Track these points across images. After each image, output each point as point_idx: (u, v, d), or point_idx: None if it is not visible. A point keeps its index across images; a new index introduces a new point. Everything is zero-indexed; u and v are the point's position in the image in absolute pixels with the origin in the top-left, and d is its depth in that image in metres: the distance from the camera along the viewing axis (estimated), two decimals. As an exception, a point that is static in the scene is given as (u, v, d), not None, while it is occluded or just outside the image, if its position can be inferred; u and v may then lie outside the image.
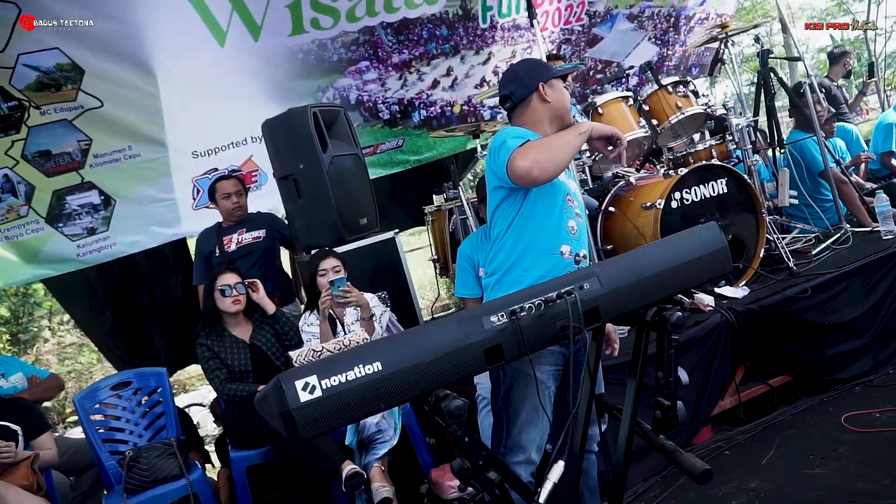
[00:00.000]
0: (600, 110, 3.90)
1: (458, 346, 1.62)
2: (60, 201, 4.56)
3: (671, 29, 6.68)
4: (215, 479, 4.31)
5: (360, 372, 1.51)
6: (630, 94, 4.06)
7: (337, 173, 4.12)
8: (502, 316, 1.68)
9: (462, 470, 1.55)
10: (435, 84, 5.48)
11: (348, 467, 3.18)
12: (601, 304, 1.77)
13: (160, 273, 5.48)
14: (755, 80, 4.46)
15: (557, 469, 1.63)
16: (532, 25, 3.51)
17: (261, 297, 3.79)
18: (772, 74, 4.34)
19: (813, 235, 4.38)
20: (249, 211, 4.60)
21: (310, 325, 3.78)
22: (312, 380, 1.47)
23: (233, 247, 4.48)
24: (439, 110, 5.66)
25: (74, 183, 4.58)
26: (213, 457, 4.70)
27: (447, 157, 5.88)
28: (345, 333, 3.74)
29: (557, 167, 2.19)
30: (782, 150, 4.40)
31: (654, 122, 4.07)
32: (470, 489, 1.69)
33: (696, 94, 4.13)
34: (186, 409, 5.07)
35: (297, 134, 4.04)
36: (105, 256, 4.79)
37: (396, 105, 5.42)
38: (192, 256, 4.72)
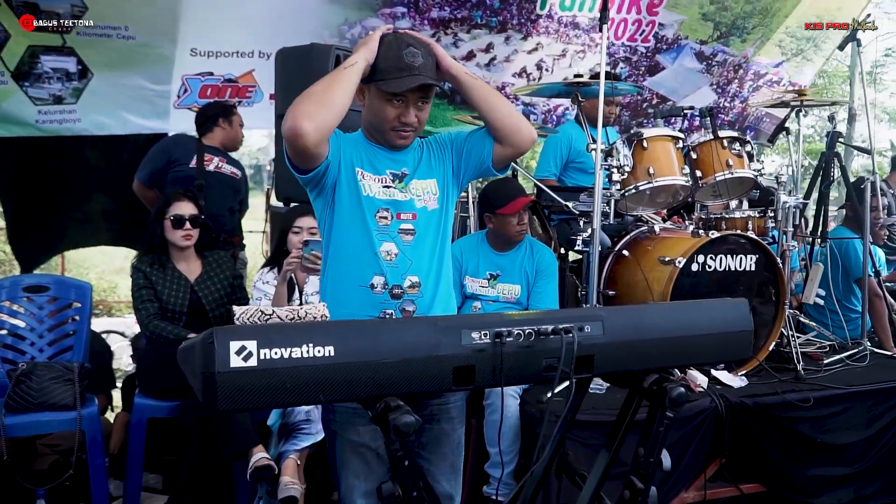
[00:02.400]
0: (645, 143, 3.81)
1: (426, 353, 1.51)
2: (33, 59, 4.43)
3: (736, 80, 6.62)
4: (111, 420, 4.18)
5: (307, 351, 1.40)
6: (681, 135, 3.97)
7: (342, 126, 4.01)
8: (485, 335, 1.57)
9: (391, 496, 1.44)
10: (470, 56, 5.38)
11: (259, 454, 3.08)
12: (597, 354, 1.67)
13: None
14: (806, 159, 4.42)
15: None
16: (601, 29, 3.41)
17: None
18: (835, 160, 4.28)
19: (829, 343, 4.32)
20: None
21: (265, 282, 3.67)
22: (251, 345, 1.36)
23: (211, 167, 4.44)
24: None
25: (54, 44, 4.44)
26: (117, 396, 4.57)
27: None
28: (301, 303, 3.64)
29: (332, 111, 2.02)
30: (823, 244, 4.33)
31: (699, 173, 3.99)
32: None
33: (751, 156, 4.05)
34: (104, 336, 4.94)
35: (314, 72, 3.92)
36: (66, 130, 4.69)
37: None
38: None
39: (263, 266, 3.85)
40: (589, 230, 3.93)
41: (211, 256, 3.84)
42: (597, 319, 1.69)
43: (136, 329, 8.50)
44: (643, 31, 5.80)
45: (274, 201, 4.42)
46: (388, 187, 2.17)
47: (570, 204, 3.81)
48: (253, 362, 1.36)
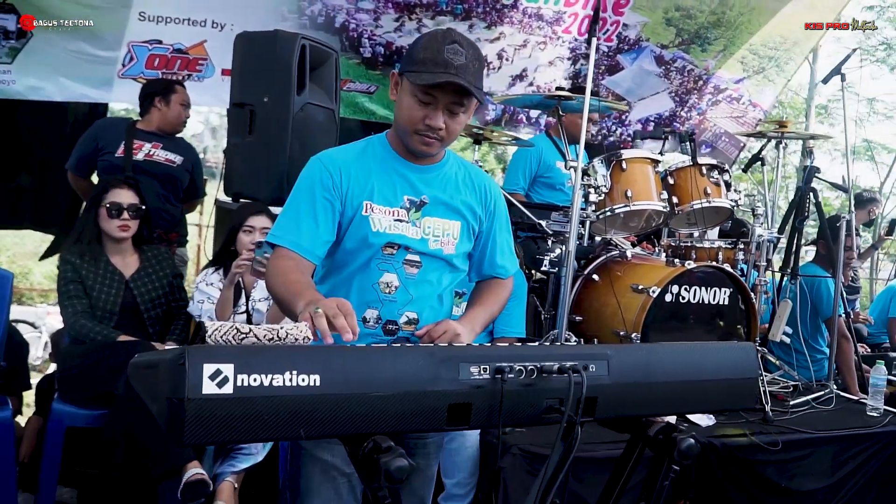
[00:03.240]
0: (624, 165, 3.76)
1: (420, 388, 1.39)
2: None
3: (695, 91, 6.73)
4: (21, 425, 3.92)
5: (290, 379, 1.27)
6: (661, 158, 3.94)
7: (303, 123, 3.91)
8: (485, 369, 1.46)
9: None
10: None
11: (193, 470, 2.91)
12: (601, 397, 1.58)
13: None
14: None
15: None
16: (589, 42, 3.35)
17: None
18: (811, 195, 4.31)
19: (793, 384, 4.34)
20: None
21: (209, 284, 3.51)
22: (227, 369, 1.22)
23: (140, 156, 4.22)
24: None
25: None
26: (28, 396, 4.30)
27: None
28: (247, 310, 3.47)
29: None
30: (793, 281, 4.36)
31: (675, 199, 3.97)
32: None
33: (728, 185, 4.06)
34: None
35: (276, 61, 3.81)
36: None
37: (383, 47, 5.28)
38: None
39: (207, 266, 3.68)
40: (557, 250, 3.89)
41: (150, 251, 3.64)
42: (602, 358, 1.60)
43: (49, 320, 8.12)
44: (607, 29, 5.88)
45: (222, 196, 4.23)
46: (399, 221, 2.02)
47: (542, 222, 3.74)
48: (228, 389, 1.22)
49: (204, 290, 3.51)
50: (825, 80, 4.44)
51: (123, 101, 4.61)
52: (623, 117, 6.64)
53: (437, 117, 1.93)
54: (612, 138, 6.54)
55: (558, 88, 3.72)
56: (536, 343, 3.58)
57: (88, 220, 3.51)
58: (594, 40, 3.36)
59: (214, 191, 4.99)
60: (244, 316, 3.49)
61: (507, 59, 5.75)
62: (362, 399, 1.33)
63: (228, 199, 4.12)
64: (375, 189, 2.01)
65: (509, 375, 1.47)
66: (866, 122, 17.26)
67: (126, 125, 4.28)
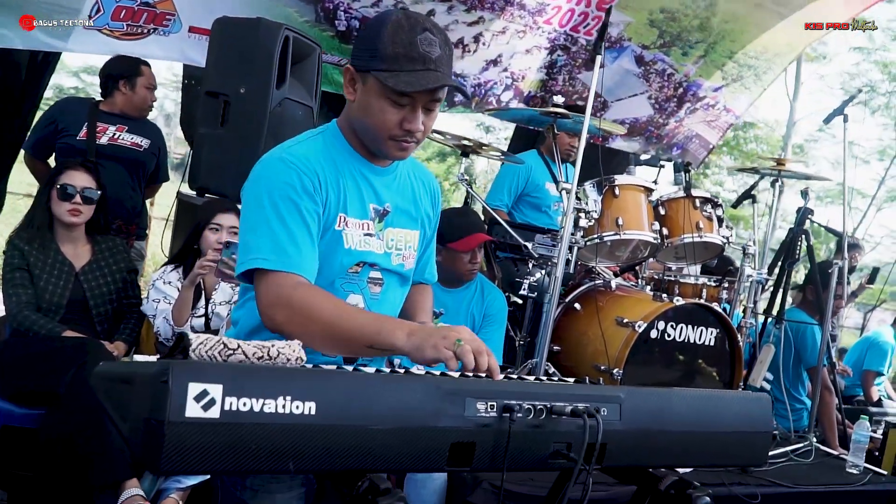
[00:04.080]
0: (617, 191, 3.72)
1: (422, 423, 1.30)
2: None
3: (674, 98, 6.80)
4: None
5: (283, 406, 1.17)
6: (654, 187, 3.91)
7: (280, 119, 3.80)
8: (492, 406, 1.38)
9: None
10: None
11: (132, 490, 2.80)
12: (611, 443, 1.50)
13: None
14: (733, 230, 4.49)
15: None
16: (593, 59, 3.30)
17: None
18: (803, 238, 4.32)
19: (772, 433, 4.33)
20: None
21: (167, 282, 3.38)
22: (215, 391, 1.12)
23: (104, 139, 4.10)
24: None
25: None
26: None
27: None
28: (206, 314, 3.35)
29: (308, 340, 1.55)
30: (778, 325, 4.36)
31: (666, 231, 3.94)
32: None
33: (720, 220, 4.04)
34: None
35: (256, 50, 3.70)
36: None
37: (358, 21, 5.17)
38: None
39: (167, 263, 3.54)
40: (538, 274, 3.83)
41: (104, 243, 3.50)
42: (614, 401, 1.52)
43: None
44: (588, 24, 5.88)
45: (186, 189, 4.10)
46: (368, 235, 1.85)
47: (528, 245, 3.67)
48: (214, 413, 1.11)
49: (161, 288, 3.38)
50: (826, 121, 4.46)
51: (84, 51, 4.43)
52: (598, 114, 6.66)
53: (415, 119, 1.75)
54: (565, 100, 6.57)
55: (554, 105, 3.66)
56: (534, 377, 3.51)
57: (40, 203, 3.36)
58: (598, 58, 3.32)
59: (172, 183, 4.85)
60: (202, 320, 3.37)
61: (483, 44, 5.73)
62: (360, 432, 1.23)
63: (192, 193, 3.98)
64: (348, 198, 1.82)
65: (518, 415, 1.39)
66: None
67: (89, 106, 4.15)
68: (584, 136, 3.38)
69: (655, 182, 4.00)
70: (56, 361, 3.02)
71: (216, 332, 3.28)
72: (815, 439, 4.21)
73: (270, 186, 1.73)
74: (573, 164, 3.55)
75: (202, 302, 3.38)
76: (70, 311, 3.31)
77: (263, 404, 1.15)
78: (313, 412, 1.19)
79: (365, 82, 1.76)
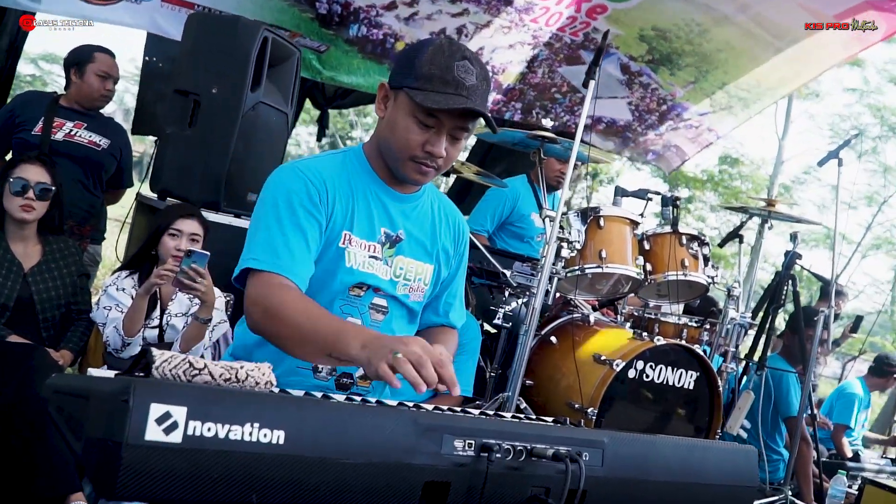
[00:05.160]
0: (602, 222, 3.74)
1: (396, 459, 1.28)
2: None
3: (656, 112, 6.93)
4: None
5: (250, 433, 1.14)
6: (640, 220, 3.93)
7: (252, 123, 3.81)
8: (470, 445, 1.36)
9: None
10: (392, 6, 5.38)
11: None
12: (592, 490, 1.49)
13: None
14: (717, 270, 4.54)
15: None
16: (586, 85, 3.33)
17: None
18: (790, 282, 4.37)
19: (746, 484, 4.35)
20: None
21: (121, 289, 3.32)
22: (178, 413, 1.09)
23: (60, 135, 4.06)
24: (381, 36, 5.56)
25: None
26: None
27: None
28: (160, 325, 3.30)
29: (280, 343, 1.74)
30: (759, 372, 4.39)
31: (649, 267, 3.96)
32: None
33: (707, 259, 4.07)
34: None
35: (232, 50, 3.70)
36: None
37: (340, 6, 5.20)
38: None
39: (121, 268, 3.48)
40: (514, 304, 3.83)
41: (55, 243, 3.45)
42: (597, 446, 1.52)
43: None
44: (575, 27, 5.97)
45: (147, 191, 4.05)
46: (373, 258, 1.91)
47: (507, 272, 3.67)
48: (176, 437, 1.09)
49: (113, 294, 3.31)
50: (821, 164, 4.53)
51: (53, 11, 4.41)
52: (575, 109, 6.77)
53: (439, 143, 1.82)
54: (556, 123, 6.69)
55: (542, 129, 3.68)
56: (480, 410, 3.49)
57: None
58: (591, 83, 3.34)
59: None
60: (156, 332, 3.32)
61: (466, 35, 5.81)
62: (330, 465, 1.21)
63: (154, 196, 3.94)
64: (356, 217, 1.90)
65: (496, 455, 1.37)
66: (829, 209, 17.92)
67: (50, 101, 4.11)
68: (573, 161, 3.39)
69: (642, 215, 4.02)
70: (1, 367, 2.96)
71: (170, 346, 3.24)
72: (790, 493, 4.24)
73: (276, 192, 1.84)
74: (557, 190, 3.56)
75: (157, 312, 3.33)
76: (16, 313, 3.25)
77: (229, 430, 1.13)
78: (282, 441, 1.17)
79: (396, 99, 1.84)
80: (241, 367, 1.27)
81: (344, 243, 1.87)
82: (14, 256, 3.28)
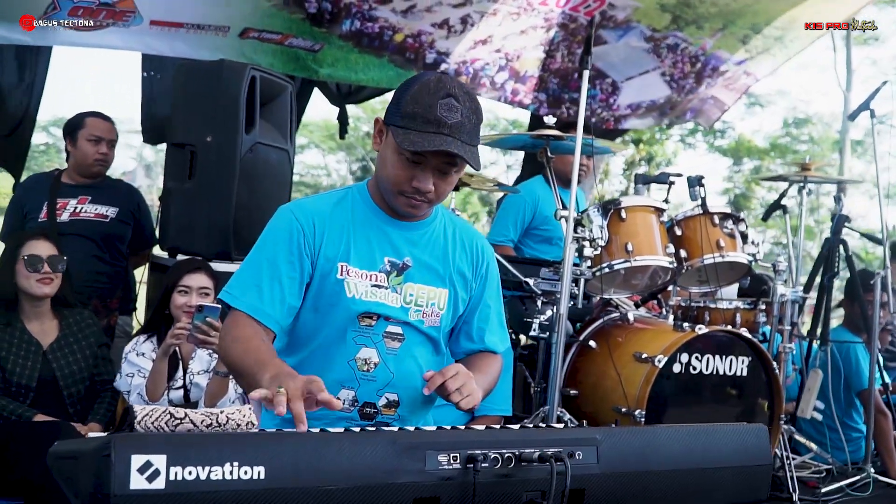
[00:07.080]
0: (623, 214, 3.85)
1: (381, 480, 1.44)
2: None
3: (692, 75, 6.97)
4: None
5: (230, 472, 1.31)
6: (665, 206, 4.03)
7: (252, 165, 3.99)
8: (455, 458, 1.51)
9: None
10: (385, 0, 5.54)
11: None
12: (590, 489, 1.62)
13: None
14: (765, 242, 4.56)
15: None
16: (580, 75, 3.46)
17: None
18: (841, 248, 4.42)
19: (826, 468, 4.39)
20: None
21: (140, 354, 3.52)
22: (159, 461, 1.26)
23: (65, 216, 4.25)
24: (377, 30, 5.73)
25: None
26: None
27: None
28: (184, 384, 3.49)
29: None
30: (823, 347, 4.44)
31: (684, 253, 4.05)
32: None
33: (744, 237, 4.15)
34: None
35: (221, 95, 3.90)
36: None
37: (330, 3, 5.37)
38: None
39: (138, 333, 3.70)
40: (548, 312, 3.93)
41: (71, 317, 3.68)
42: (590, 444, 1.65)
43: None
44: (589, 5, 6.03)
45: (158, 251, 4.27)
46: (377, 287, 2.07)
47: (529, 281, 3.80)
48: (159, 483, 1.26)
49: (134, 361, 3.51)
50: (852, 117, 4.58)
51: (43, 43, 4.77)
52: (610, 100, 6.89)
53: (425, 179, 1.97)
54: (594, 120, 6.79)
55: (547, 127, 3.81)
56: (520, 424, 3.61)
57: (3, 279, 3.54)
58: (585, 73, 3.47)
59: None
60: (181, 392, 3.51)
61: (471, 24, 5.96)
62: (313, 494, 1.37)
63: (165, 255, 4.16)
64: (353, 249, 2.06)
65: (483, 465, 1.52)
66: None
67: (49, 181, 4.31)
68: (578, 157, 3.52)
69: (666, 200, 4.11)
70: (28, 448, 3.16)
71: (195, 405, 3.41)
72: (872, 470, 4.26)
73: (266, 232, 2.09)
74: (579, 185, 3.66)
75: (179, 373, 3.52)
76: (40, 394, 3.47)
77: (210, 471, 1.30)
78: (262, 476, 1.34)
79: (386, 135, 2.01)
80: (222, 412, 1.45)
81: (342, 275, 2.04)
82: (31, 336, 3.51)
